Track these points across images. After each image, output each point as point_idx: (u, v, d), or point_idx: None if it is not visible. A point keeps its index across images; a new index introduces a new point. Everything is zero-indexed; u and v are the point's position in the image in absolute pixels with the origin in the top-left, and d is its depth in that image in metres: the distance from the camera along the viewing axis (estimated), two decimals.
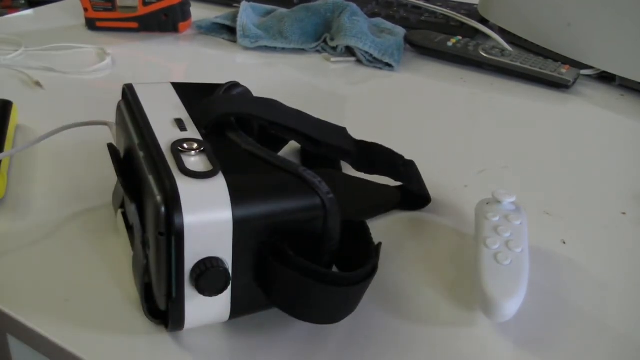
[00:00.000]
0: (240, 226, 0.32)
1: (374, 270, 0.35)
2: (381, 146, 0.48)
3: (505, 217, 0.42)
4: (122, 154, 0.41)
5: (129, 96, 0.41)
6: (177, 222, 0.31)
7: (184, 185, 0.31)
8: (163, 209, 0.31)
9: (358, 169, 0.47)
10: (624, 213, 0.51)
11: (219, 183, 0.32)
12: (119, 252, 0.42)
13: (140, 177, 0.34)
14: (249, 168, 0.35)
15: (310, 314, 0.35)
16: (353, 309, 0.36)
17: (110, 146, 0.41)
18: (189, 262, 0.32)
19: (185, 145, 0.34)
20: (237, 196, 0.32)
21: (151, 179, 0.33)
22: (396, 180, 0.48)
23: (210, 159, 0.34)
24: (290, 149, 0.56)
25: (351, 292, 0.34)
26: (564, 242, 0.47)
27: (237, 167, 0.34)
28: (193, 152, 0.34)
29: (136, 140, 0.36)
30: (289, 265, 0.33)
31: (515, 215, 0.43)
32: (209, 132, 0.37)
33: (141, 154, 0.35)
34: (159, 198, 0.31)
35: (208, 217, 0.31)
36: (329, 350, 0.36)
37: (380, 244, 0.36)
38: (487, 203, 0.44)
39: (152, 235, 0.32)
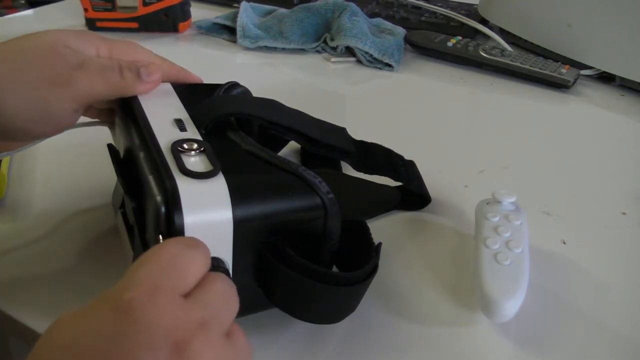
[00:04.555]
0: (240, 226, 0.32)
1: (374, 270, 0.35)
2: (381, 146, 0.48)
3: (505, 217, 0.42)
4: (122, 154, 0.41)
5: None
6: (177, 222, 0.31)
7: (184, 185, 0.31)
8: (163, 209, 0.31)
9: (358, 169, 0.47)
10: (624, 213, 0.51)
11: (219, 183, 0.32)
12: (119, 252, 0.42)
13: (141, 178, 0.34)
14: (249, 168, 0.35)
15: (311, 314, 0.35)
16: (353, 309, 0.36)
17: (110, 147, 0.41)
18: None
19: (185, 146, 0.34)
20: (237, 196, 0.32)
21: (151, 179, 0.32)
22: (396, 180, 0.48)
23: (210, 159, 0.33)
24: (290, 149, 0.56)
25: (351, 292, 0.34)
26: (564, 242, 0.47)
27: (237, 167, 0.34)
28: (193, 152, 0.34)
29: (136, 141, 0.36)
30: (289, 265, 0.33)
31: (515, 215, 0.43)
32: (209, 132, 0.37)
33: (141, 154, 0.35)
34: (159, 198, 0.31)
35: (208, 217, 0.31)
36: (328, 350, 0.36)
37: (380, 243, 0.36)
38: (487, 203, 0.44)
39: (152, 235, 0.32)
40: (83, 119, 0.48)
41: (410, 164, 0.49)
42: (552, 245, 0.46)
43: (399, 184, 0.51)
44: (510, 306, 0.36)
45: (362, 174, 0.49)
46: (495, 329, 0.38)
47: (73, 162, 0.53)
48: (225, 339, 0.26)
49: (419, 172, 0.49)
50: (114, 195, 0.45)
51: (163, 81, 0.41)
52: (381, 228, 0.47)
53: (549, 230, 0.48)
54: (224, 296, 0.28)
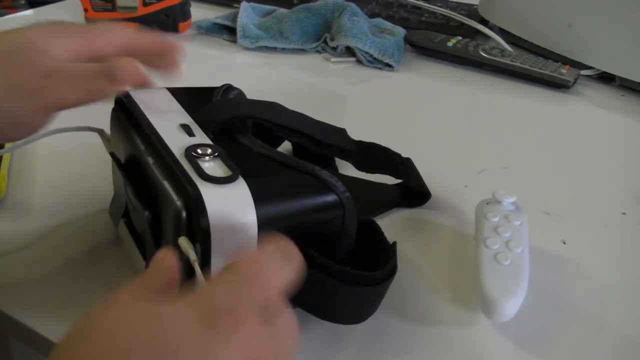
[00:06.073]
0: (264, 229, 0.32)
1: (394, 269, 0.36)
2: (378, 145, 0.48)
3: (505, 217, 0.42)
4: (122, 161, 0.40)
5: (126, 103, 0.40)
6: (204, 228, 0.30)
7: (206, 190, 0.31)
8: (184, 213, 0.31)
9: (360, 169, 0.48)
10: (624, 213, 0.51)
11: (241, 187, 0.32)
12: (118, 252, 0.42)
13: (151, 183, 0.34)
14: (265, 170, 0.35)
15: (336, 315, 0.35)
16: (376, 309, 0.36)
17: (113, 155, 0.41)
18: (215, 267, 0.31)
19: (199, 151, 0.34)
20: (260, 199, 0.32)
21: (166, 184, 0.32)
22: (396, 177, 0.49)
23: (226, 164, 0.33)
24: (282, 149, 0.56)
25: (374, 291, 0.35)
26: (564, 242, 0.47)
27: (254, 170, 0.34)
28: (207, 157, 0.34)
29: (141, 147, 0.36)
30: (312, 265, 0.33)
31: (515, 215, 0.43)
32: (217, 136, 0.37)
33: (150, 160, 0.34)
34: (178, 203, 0.31)
35: (233, 221, 0.31)
36: (330, 353, 0.36)
37: (395, 242, 0.37)
38: (487, 203, 0.44)
39: (170, 240, 0.32)
40: (81, 121, 0.48)
41: (408, 161, 0.49)
42: (552, 245, 0.46)
43: (398, 182, 0.51)
44: (510, 306, 0.36)
45: (363, 173, 0.49)
46: (495, 329, 0.38)
47: (73, 163, 0.53)
48: None
49: (416, 169, 0.50)
50: (111, 206, 0.44)
51: (140, 55, 0.39)
52: (381, 227, 0.47)
53: (549, 230, 0.48)
54: (293, 334, 0.28)
